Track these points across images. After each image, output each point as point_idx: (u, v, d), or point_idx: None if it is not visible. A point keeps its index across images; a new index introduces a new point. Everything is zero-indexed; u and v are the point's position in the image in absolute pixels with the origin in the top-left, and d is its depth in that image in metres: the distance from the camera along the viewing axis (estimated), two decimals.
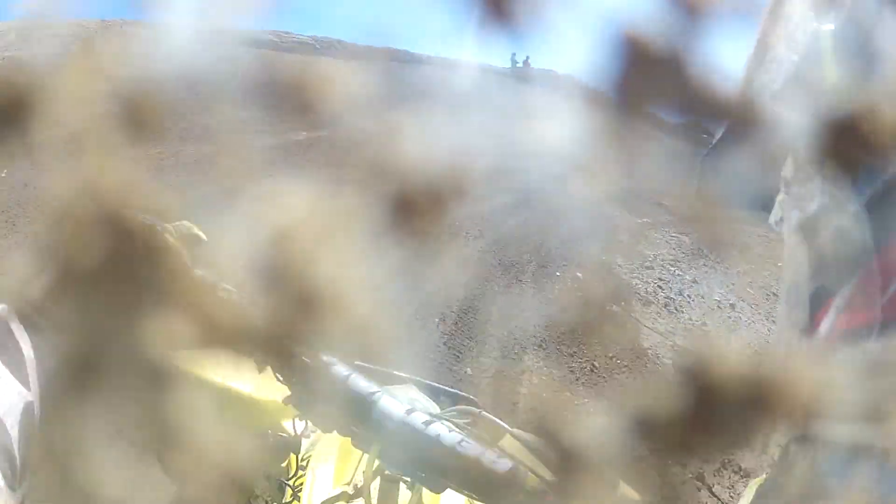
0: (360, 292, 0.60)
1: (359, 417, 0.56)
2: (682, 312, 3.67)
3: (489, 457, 0.53)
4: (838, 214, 0.31)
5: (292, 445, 0.88)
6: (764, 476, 0.40)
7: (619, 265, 4.00)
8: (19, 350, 0.40)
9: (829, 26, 0.32)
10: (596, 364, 2.83)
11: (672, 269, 4.11)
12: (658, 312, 3.56)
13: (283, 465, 0.88)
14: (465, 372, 2.76)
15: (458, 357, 2.85)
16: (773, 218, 0.38)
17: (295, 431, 0.88)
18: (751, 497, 0.42)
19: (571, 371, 2.82)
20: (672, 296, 3.86)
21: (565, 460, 0.37)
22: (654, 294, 3.79)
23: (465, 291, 3.23)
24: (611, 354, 2.87)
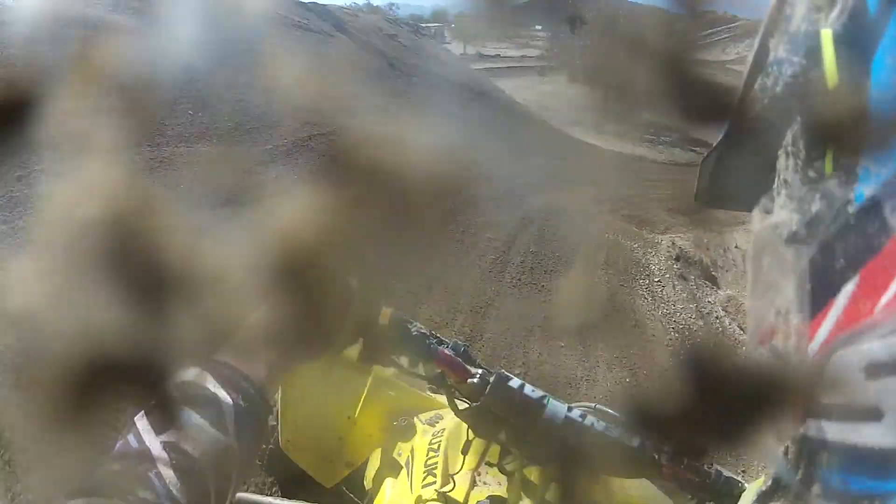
0: (364, 293, 0.62)
1: (531, 420, 0.64)
2: (685, 312, 3.67)
3: (625, 438, 0.62)
4: (838, 215, 0.31)
5: (410, 432, 0.96)
6: (763, 477, 0.40)
7: (615, 263, 3.99)
8: (218, 403, 0.48)
9: (829, 27, 0.32)
10: (600, 360, 2.82)
11: (668, 270, 4.10)
12: (658, 312, 3.55)
13: (408, 444, 0.95)
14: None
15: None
16: (772, 220, 0.38)
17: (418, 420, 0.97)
18: (751, 499, 0.42)
19: (576, 365, 2.82)
20: (669, 296, 3.85)
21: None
22: (652, 295, 3.78)
23: (469, 291, 3.23)
24: (615, 353, 2.87)
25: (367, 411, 0.99)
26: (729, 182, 0.45)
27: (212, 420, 0.47)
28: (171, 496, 0.42)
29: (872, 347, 0.28)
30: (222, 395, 0.48)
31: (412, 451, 0.92)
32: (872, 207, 0.29)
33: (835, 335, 0.31)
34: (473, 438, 0.74)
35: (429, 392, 1.06)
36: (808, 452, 0.34)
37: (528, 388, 0.66)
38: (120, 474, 0.43)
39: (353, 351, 0.67)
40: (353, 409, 0.99)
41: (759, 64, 0.36)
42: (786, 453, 0.38)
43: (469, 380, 0.68)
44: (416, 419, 0.99)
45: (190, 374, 0.49)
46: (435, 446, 0.88)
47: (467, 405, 0.70)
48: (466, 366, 0.69)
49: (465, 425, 0.77)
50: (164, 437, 0.45)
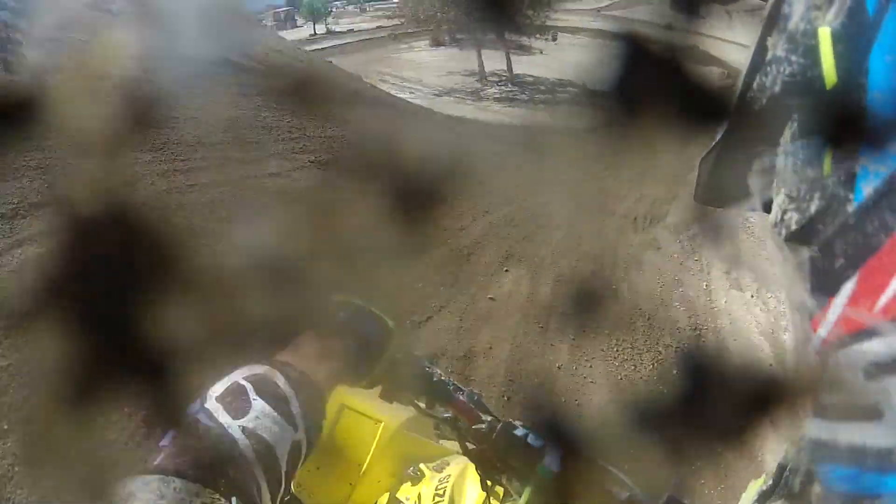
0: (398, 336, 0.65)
1: (531, 466, 0.71)
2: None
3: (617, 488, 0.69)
4: (838, 214, 0.31)
5: (419, 480, 1.03)
6: (764, 477, 0.40)
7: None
8: (287, 400, 0.51)
9: (827, 26, 0.32)
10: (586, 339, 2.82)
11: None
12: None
13: (415, 488, 1.02)
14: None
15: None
16: (772, 219, 0.38)
17: (425, 471, 1.04)
18: (751, 498, 0.42)
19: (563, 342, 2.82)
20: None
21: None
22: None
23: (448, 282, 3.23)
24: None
25: (378, 460, 1.06)
26: (727, 181, 0.44)
27: (284, 415, 0.50)
28: (254, 478, 0.45)
29: (872, 347, 0.28)
30: (290, 393, 0.51)
31: (419, 496, 0.98)
32: (871, 206, 0.29)
33: (835, 335, 0.31)
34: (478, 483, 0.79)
35: (437, 441, 1.12)
36: (808, 452, 0.34)
37: (531, 437, 0.73)
38: (203, 452, 0.44)
39: (376, 389, 0.74)
40: (363, 458, 1.06)
41: (758, 63, 0.36)
42: (786, 453, 0.38)
43: (478, 425, 0.75)
44: (422, 466, 1.06)
45: (259, 369, 0.52)
46: (441, 492, 0.94)
47: (475, 447, 0.77)
48: (478, 412, 0.77)
49: (469, 471, 0.84)
50: (241, 422, 0.47)
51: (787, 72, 0.34)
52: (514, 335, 2.96)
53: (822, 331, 0.32)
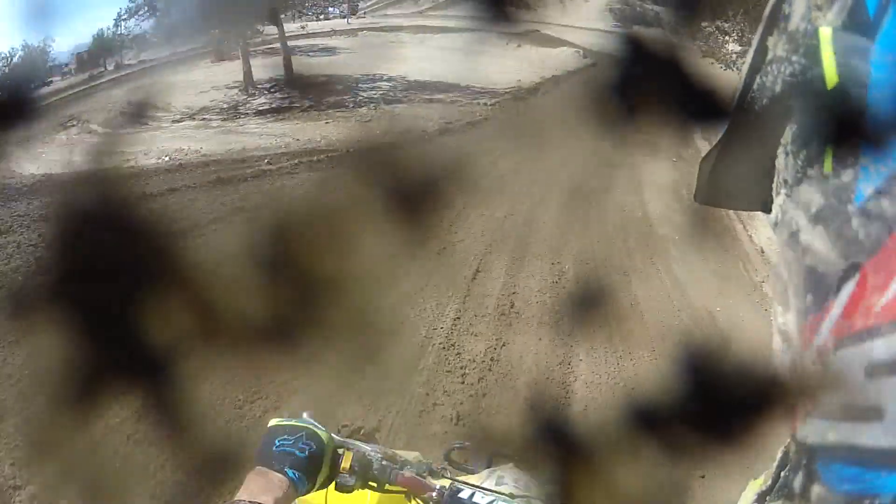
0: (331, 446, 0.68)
1: None
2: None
3: None
4: (838, 215, 0.31)
5: None
6: (763, 477, 0.40)
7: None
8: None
9: (828, 26, 0.32)
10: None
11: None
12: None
13: None
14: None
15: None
16: (772, 219, 0.38)
17: None
18: (751, 498, 0.42)
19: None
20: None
21: None
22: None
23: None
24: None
25: None
26: (728, 181, 0.44)
27: None
28: None
29: (873, 347, 0.28)
30: None
31: None
32: (872, 206, 0.29)
33: (835, 334, 0.31)
34: None
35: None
36: (808, 452, 0.34)
37: (478, 496, 0.81)
38: None
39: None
40: None
41: (758, 63, 0.36)
42: (786, 453, 0.38)
43: (428, 493, 0.83)
44: None
45: None
46: None
47: None
48: (426, 482, 0.84)
49: None
50: None
51: (787, 72, 0.34)
52: None
53: (824, 330, 0.32)
